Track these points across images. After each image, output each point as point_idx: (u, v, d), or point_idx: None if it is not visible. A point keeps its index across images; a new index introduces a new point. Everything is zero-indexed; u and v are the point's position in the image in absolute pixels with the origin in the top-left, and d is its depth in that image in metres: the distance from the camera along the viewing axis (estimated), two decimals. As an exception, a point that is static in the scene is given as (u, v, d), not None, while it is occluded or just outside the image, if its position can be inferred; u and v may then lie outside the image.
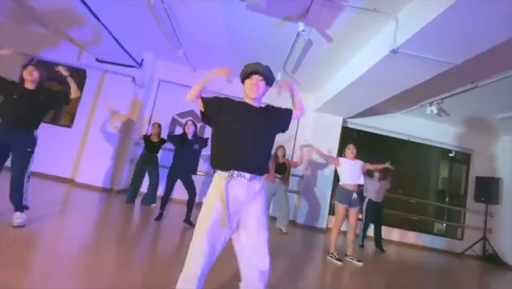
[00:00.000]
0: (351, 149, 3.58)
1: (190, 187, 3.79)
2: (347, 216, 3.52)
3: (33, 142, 2.51)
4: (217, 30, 4.11)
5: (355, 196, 3.45)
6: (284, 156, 4.81)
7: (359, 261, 3.48)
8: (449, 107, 5.20)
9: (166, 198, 3.82)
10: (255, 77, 1.51)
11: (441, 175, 6.99)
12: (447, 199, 6.76)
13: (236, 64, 4.75)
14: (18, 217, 2.42)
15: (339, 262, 3.34)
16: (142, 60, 5.47)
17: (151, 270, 2.18)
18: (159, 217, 3.72)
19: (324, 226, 5.56)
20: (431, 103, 5.03)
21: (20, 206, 2.46)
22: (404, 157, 6.77)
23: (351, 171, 3.47)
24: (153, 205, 4.62)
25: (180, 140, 3.82)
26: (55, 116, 5.74)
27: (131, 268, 2.18)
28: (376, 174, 4.74)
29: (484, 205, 5.90)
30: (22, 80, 2.53)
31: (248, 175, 1.40)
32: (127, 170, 5.43)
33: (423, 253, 5.52)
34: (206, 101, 1.51)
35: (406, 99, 5.03)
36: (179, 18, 3.95)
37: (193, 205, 3.80)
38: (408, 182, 6.64)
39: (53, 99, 2.66)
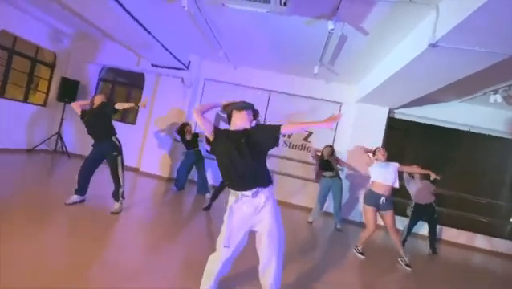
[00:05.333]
0: (381, 152, 3.55)
1: None
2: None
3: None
4: (252, 32, 4.28)
5: (383, 200, 3.36)
6: (331, 155, 4.81)
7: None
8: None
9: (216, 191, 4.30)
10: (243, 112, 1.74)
11: (515, 170, 6.03)
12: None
13: (273, 59, 4.91)
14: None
15: (361, 256, 3.48)
16: (189, 62, 6.00)
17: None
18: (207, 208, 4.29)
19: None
20: (495, 91, 4.38)
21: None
22: (465, 151, 6.01)
23: (382, 170, 3.43)
24: (207, 194, 5.15)
25: None
26: (123, 116, 6.77)
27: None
28: (416, 174, 4.36)
29: None
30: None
31: (250, 192, 1.61)
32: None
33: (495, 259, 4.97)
34: (216, 134, 1.73)
35: (462, 88, 4.48)
36: (217, 24, 4.23)
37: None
38: (472, 179, 5.89)
39: None
